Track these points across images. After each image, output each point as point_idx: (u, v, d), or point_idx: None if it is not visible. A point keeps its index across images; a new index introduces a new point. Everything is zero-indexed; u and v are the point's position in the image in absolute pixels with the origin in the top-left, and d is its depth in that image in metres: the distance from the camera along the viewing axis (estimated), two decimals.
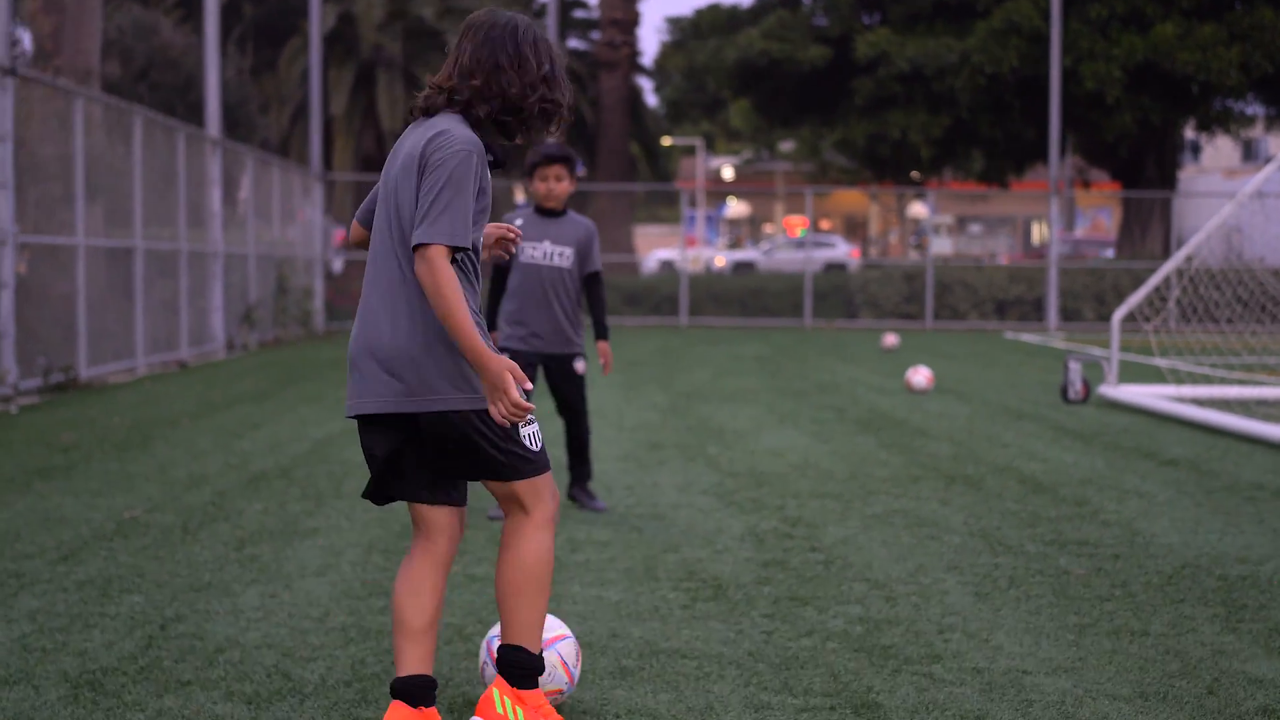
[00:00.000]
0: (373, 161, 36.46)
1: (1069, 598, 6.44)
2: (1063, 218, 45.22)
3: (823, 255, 46.41)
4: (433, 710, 4.32)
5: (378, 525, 8.00)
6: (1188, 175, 52.10)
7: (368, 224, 4.62)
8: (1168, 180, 38.78)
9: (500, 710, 4.35)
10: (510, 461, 4.40)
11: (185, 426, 12.51)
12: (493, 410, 4.22)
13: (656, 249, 56.47)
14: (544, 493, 4.47)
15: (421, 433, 4.41)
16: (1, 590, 6.42)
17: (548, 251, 8.40)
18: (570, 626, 5.88)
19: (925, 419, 13.49)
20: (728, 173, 71.32)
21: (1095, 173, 48.83)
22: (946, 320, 33.21)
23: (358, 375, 4.43)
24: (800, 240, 49.03)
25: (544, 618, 4.51)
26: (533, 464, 4.44)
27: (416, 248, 4.23)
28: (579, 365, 8.57)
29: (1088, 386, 15.10)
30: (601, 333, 8.60)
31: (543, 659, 4.49)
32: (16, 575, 6.71)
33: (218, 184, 21.77)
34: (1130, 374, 17.88)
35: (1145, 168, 38.35)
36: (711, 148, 65.71)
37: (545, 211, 8.46)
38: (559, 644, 4.76)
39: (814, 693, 5.04)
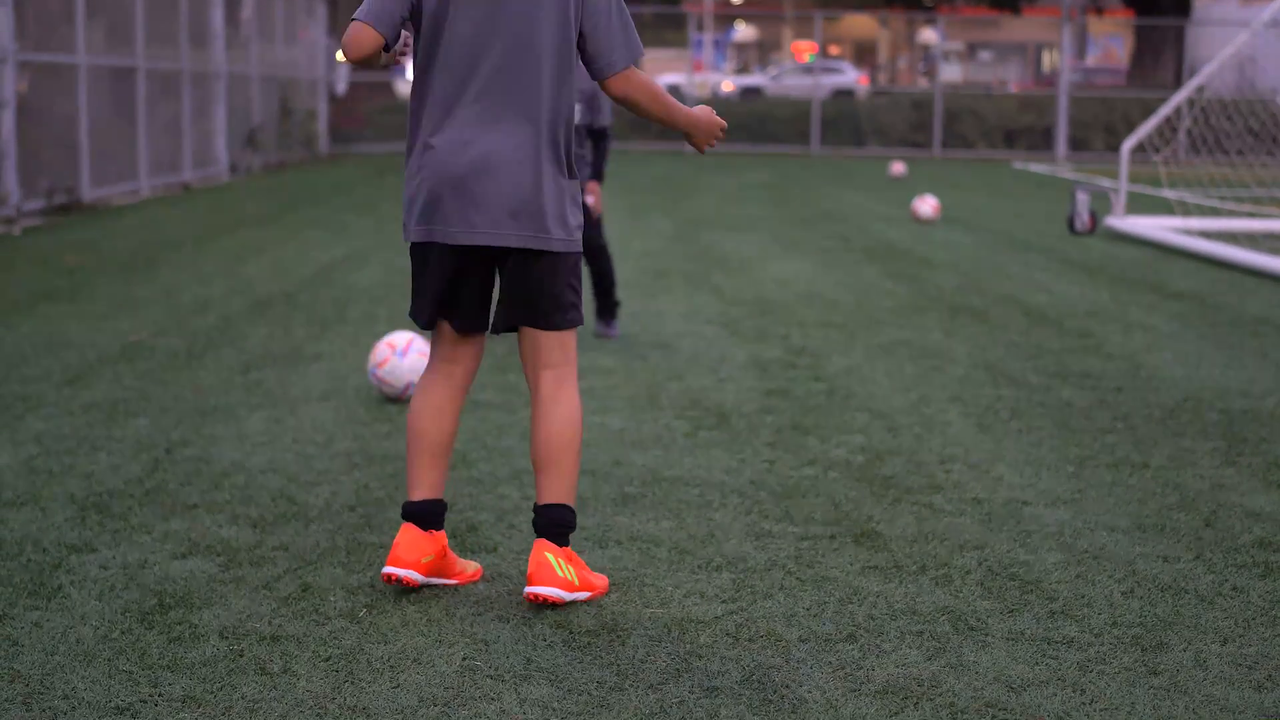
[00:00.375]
0: None
1: (1070, 430, 6.46)
2: (1074, 45, 44.70)
3: (831, 81, 45.86)
4: (442, 533, 4.35)
5: None
6: (1203, 3, 51.37)
7: (392, 35, 4.18)
8: (1183, 7, 38.26)
9: (561, 574, 4.17)
10: (573, 308, 4.32)
11: (189, 250, 12.49)
12: (702, 146, 4.37)
13: (663, 73, 55.89)
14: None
15: (509, 269, 4.24)
16: (8, 413, 6.45)
17: None
18: None
19: (931, 249, 13.46)
20: None
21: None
22: (954, 149, 32.99)
23: (469, 202, 4.15)
24: (808, 66, 48.50)
25: None
26: (581, 314, 4.38)
27: (621, 72, 4.20)
28: (588, 198, 8.54)
29: (1094, 218, 15.03)
30: (597, 174, 8.56)
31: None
32: (23, 398, 6.74)
33: (220, 3, 21.49)
34: (1138, 205, 17.79)
35: None
36: None
37: None
38: None
39: (815, 521, 5.08)
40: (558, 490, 4.28)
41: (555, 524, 4.25)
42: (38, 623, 4.02)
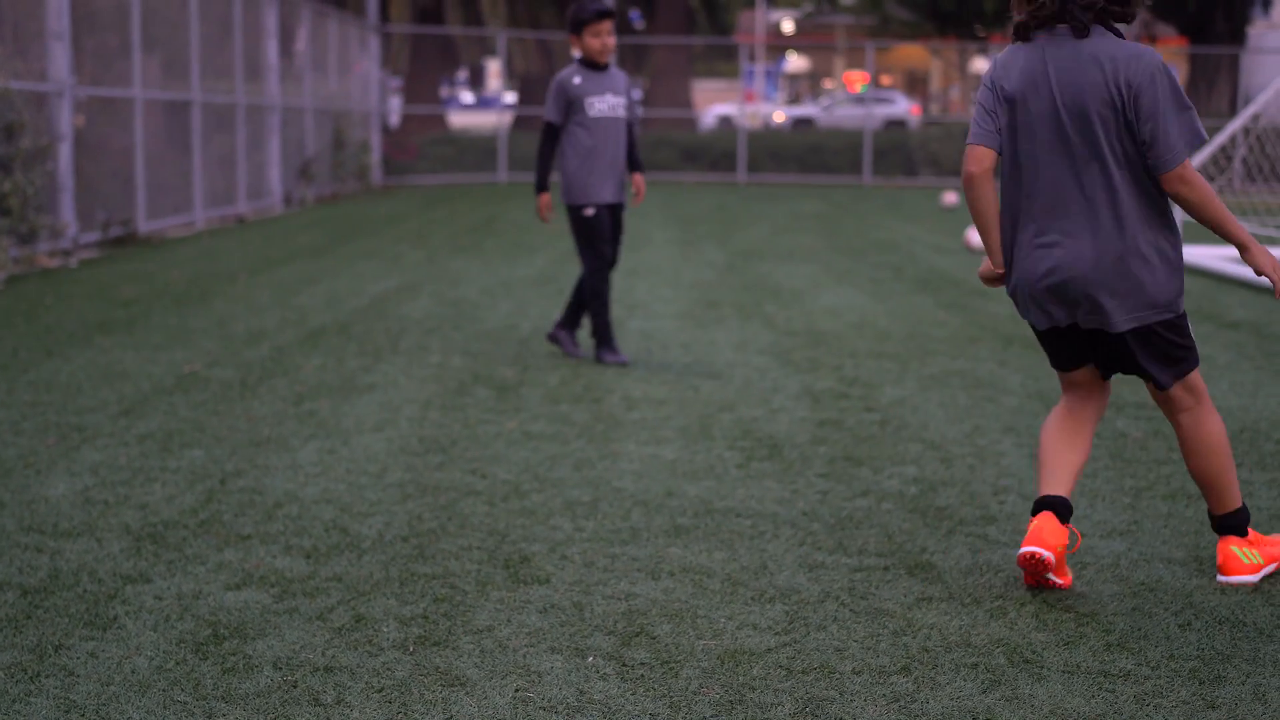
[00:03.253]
0: (429, 14, 36.14)
1: (1125, 460, 6.42)
2: None
3: (883, 112, 45.85)
4: (1067, 530, 4.63)
5: (434, 381, 8.04)
6: (1257, 31, 51.05)
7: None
8: (1237, 35, 38.05)
9: (1246, 560, 4.77)
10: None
11: (243, 281, 12.57)
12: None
13: (715, 104, 55.99)
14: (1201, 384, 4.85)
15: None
16: (64, 444, 6.50)
17: (612, 104, 8.67)
18: (625, 484, 5.91)
19: None
20: (788, 26, 70.44)
21: (1162, 27, 47.91)
22: None
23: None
24: (860, 96, 48.49)
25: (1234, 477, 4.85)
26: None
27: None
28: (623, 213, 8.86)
29: None
30: (637, 165, 8.87)
31: (1247, 508, 4.90)
32: (79, 429, 6.79)
33: (274, 36, 21.67)
34: (1193, 235, 17.68)
35: (1214, 22, 37.63)
36: (772, 0, 64.85)
37: (595, 66, 8.62)
38: None
39: (868, 553, 5.06)
40: (1216, 503, 4.85)
41: (1228, 526, 4.84)
42: (93, 653, 4.04)
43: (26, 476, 5.92)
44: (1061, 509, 4.64)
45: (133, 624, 4.27)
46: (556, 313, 10.54)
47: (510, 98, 42.60)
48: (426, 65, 37.26)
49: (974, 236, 16.16)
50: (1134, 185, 4.53)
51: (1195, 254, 14.66)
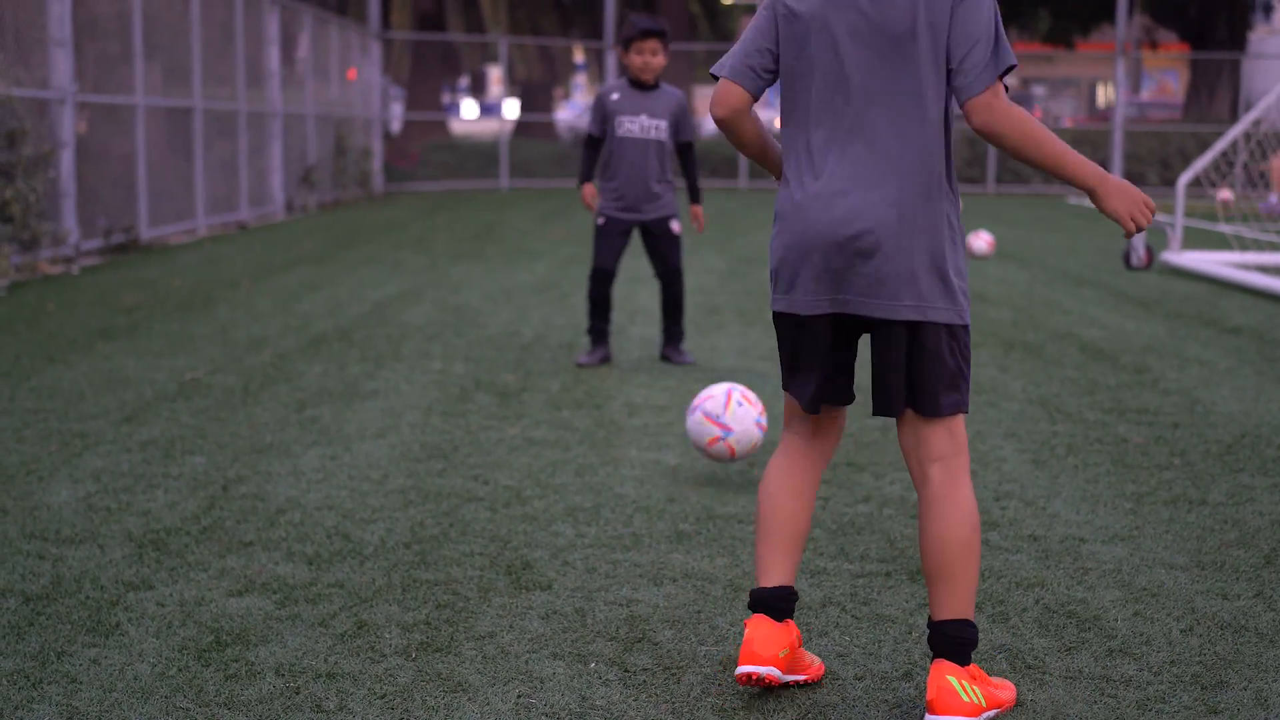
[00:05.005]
0: (430, 20, 36.14)
1: (1127, 466, 6.42)
2: (1129, 80, 44.49)
3: None
4: (791, 623, 3.85)
5: (436, 388, 8.04)
6: (1258, 36, 51.08)
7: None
8: (1238, 41, 38.07)
9: (967, 698, 3.57)
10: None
11: (245, 288, 12.57)
12: (1126, 221, 3.58)
13: None
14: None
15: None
16: (67, 450, 6.50)
17: (645, 125, 8.70)
18: (627, 490, 5.91)
19: (985, 284, 13.41)
20: None
21: (1163, 33, 47.94)
22: (1009, 184, 32.88)
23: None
24: None
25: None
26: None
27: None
28: (674, 225, 8.88)
29: (1150, 253, 14.95)
30: (695, 197, 8.99)
31: (978, 631, 3.81)
32: (81, 435, 6.79)
33: (276, 43, 21.68)
34: (1194, 240, 17.68)
35: (1215, 28, 37.65)
36: None
37: (639, 84, 8.70)
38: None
39: (870, 558, 5.06)
40: (955, 604, 3.70)
41: (952, 641, 3.66)
42: (96, 659, 4.05)
43: (29, 483, 5.93)
44: (778, 603, 3.84)
45: (135, 630, 4.27)
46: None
47: (511, 106, 42.54)
48: (428, 72, 37.27)
49: (976, 242, 16.15)
50: (935, 134, 3.66)
51: (1196, 259, 14.67)
